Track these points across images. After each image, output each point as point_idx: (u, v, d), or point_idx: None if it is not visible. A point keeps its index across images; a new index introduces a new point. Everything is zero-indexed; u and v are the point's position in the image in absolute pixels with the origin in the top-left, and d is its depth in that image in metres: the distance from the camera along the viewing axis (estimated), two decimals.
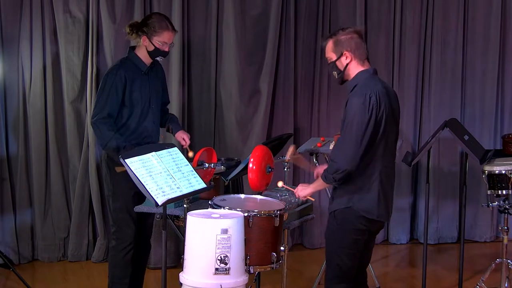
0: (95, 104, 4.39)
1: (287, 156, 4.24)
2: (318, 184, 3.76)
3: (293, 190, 3.99)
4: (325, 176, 3.64)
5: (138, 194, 4.11)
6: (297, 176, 6.22)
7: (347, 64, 3.67)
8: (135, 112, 4.41)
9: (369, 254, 3.89)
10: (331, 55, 3.71)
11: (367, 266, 3.93)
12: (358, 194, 3.64)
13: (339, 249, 3.71)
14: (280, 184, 4.04)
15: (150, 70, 4.50)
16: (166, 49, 4.43)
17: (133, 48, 4.49)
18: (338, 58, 3.68)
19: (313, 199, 4.01)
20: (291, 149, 4.25)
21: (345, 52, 3.65)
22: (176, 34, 4.52)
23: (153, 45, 4.38)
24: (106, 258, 5.71)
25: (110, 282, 4.52)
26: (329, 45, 3.70)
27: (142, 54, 4.43)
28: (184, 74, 5.78)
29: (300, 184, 3.92)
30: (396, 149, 3.82)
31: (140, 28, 4.41)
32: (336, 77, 3.74)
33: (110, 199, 4.50)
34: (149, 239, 4.68)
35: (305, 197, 3.87)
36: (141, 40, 4.40)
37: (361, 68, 3.68)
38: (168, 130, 4.73)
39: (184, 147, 4.59)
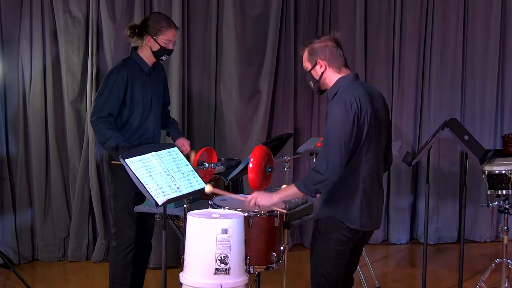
0: (95, 103, 4.39)
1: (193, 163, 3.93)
2: (289, 194, 3.58)
3: (240, 198, 3.76)
4: (304, 186, 3.48)
5: (139, 195, 4.10)
6: (297, 176, 6.22)
7: (322, 73, 3.57)
8: (136, 112, 4.41)
9: (356, 263, 3.79)
10: (306, 64, 3.61)
11: (354, 272, 3.81)
12: (341, 203, 3.53)
13: (323, 260, 3.61)
14: (207, 188, 3.72)
15: (152, 70, 4.50)
16: (171, 47, 4.44)
17: (135, 48, 4.49)
18: (313, 67, 3.57)
19: (284, 211, 3.77)
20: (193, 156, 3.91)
21: (319, 60, 3.55)
22: (177, 33, 4.53)
23: (159, 44, 4.38)
24: (106, 258, 5.71)
25: (111, 282, 4.52)
26: (305, 54, 3.61)
27: (145, 54, 4.43)
28: (184, 74, 5.78)
29: (256, 192, 3.68)
30: (380, 155, 3.63)
31: (142, 29, 4.41)
32: (313, 86, 3.63)
33: (111, 199, 4.50)
34: (149, 240, 4.68)
35: (269, 207, 3.64)
36: (145, 40, 4.39)
37: (338, 76, 3.56)
38: (168, 135, 4.74)
39: (185, 153, 4.58)
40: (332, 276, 3.61)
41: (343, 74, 3.57)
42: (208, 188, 3.73)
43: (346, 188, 3.50)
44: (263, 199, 3.63)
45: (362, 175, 3.52)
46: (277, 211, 3.74)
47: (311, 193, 3.48)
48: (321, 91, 3.64)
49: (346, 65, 3.60)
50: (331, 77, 3.57)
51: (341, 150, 3.39)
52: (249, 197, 3.67)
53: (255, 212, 3.72)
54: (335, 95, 3.54)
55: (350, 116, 3.40)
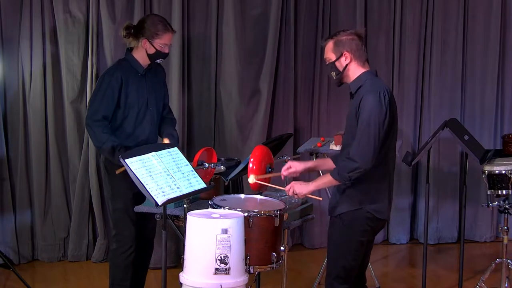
0: (89, 105, 4.38)
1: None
2: (324, 182, 3.69)
3: (280, 187, 3.88)
4: (338, 174, 3.58)
5: (137, 196, 4.11)
6: (297, 177, 6.20)
7: (346, 65, 3.65)
8: (131, 115, 4.38)
9: (368, 254, 3.88)
10: (330, 55, 3.68)
11: (366, 267, 3.91)
12: (370, 195, 3.62)
13: (345, 251, 3.68)
14: (251, 179, 3.86)
15: (148, 71, 4.47)
16: (167, 51, 4.42)
17: (130, 49, 4.47)
18: (338, 58, 3.65)
19: (320, 198, 3.89)
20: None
21: (345, 52, 3.63)
22: (176, 34, 4.52)
23: (154, 47, 4.36)
24: (106, 258, 5.71)
25: (111, 284, 4.51)
26: (329, 45, 3.68)
27: (140, 56, 4.40)
28: (184, 74, 5.78)
29: (294, 182, 3.80)
30: (396, 149, 3.81)
31: (138, 31, 4.38)
32: (335, 77, 3.70)
33: (109, 201, 4.49)
34: (151, 240, 4.67)
35: (305, 195, 3.77)
36: (141, 43, 4.36)
37: (362, 70, 3.66)
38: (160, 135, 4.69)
39: None
40: (351, 266, 3.70)
41: (366, 69, 3.67)
42: (251, 179, 3.86)
43: (376, 180, 3.61)
44: (299, 188, 3.73)
45: (389, 166, 3.66)
46: (313, 198, 3.87)
47: (344, 180, 3.57)
48: (341, 83, 3.73)
49: (367, 61, 3.71)
50: (355, 70, 3.66)
51: (375, 138, 3.49)
52: (288, 186, 3.78)
53: (255, 212, 3.72)
54: (359, 88, 3.63)
55: (383, 107, 3.51)
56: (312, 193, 3.78)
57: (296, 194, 3.76)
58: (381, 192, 3.64)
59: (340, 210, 3.69)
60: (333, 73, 3.70)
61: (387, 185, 3.66)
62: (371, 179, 3.59)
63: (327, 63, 3.72)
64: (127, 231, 4.41)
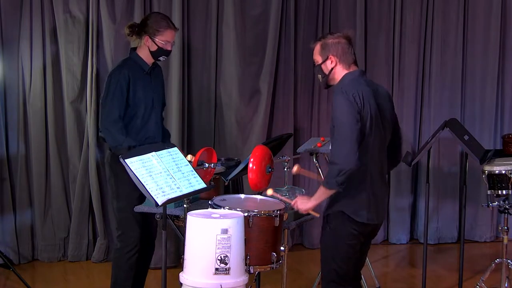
0: (103, 108, 4.35)
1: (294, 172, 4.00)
2: (320, 195, 3.63)
3: (289, 201, 3.89)
4: (327, 183, 3.53)
5: (142, 196, 4.09)
6: (297, 177, 6.21)
7: (332, 69, 3.65)
8: (139, 113, 4.39)
9: (364, 257, 3.85)
10: (317, 57, 3.69)
11: (362, 268, 3.88)
12: (348, 197, 3.58)
13: (334, 254, 3.68)
14: (269, 192, 3.90)
15: (152, 70, 4.49)
16: (169, 48, 4.42)
17: (134, 49, 4.48)
18: (324, 61, 3.65)
19: (317, 214, 3.84)
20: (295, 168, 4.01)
21: (330, 56, 3.63)
22: (176, 34, 4.52)
23: (156, 45, 4.36)
24: (106, 258, 5.71)
25: (113, 284, 4.50)
26: (317, 48, 3.69)
27: (144, 54, 4.42)
28: (184, 74, 5.78)
29: (299, 197, 3.79)
30: (384, 151, 3.69)
31: (141, 28, 4.40)
32: (321, 80, 3.72)
33: (115, 201, 4.46)
34: (153, 241, 4.66)
35: (307, 211, 3.73)
36: (143, 40, 4.38)
37: (346, 72, 3.65)
38: None
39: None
40: (343, 270, 3.67)
41: (351, 71, 3.64)
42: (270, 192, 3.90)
43: (353, 182, 3.55)
44: (300, 204, 3.73)
45: (369, 170, 3.58)
46: (312, 214, 3.83)
47: (335, 187, 3.51)
48: (328, 85, 3.72)
49: (355, 63, 3.68)
50: (340, 73, 3.65)
51: (351, 138, 3.44)
52: (293, 201, 3.78)
53: (255, 212, 3.73)
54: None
55: (353, 106, 3.47)
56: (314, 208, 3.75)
57: (299, 209, 3.77)
58: (359, 195, 3.58)
59: (325, 212, 3.69)
60: (320, 76, 3.71)
61: (367, 187, 3.59)
62: (349, 182, 3.50)
63: (315, 65, 3.73)
64: (132, 231, 4.40)
